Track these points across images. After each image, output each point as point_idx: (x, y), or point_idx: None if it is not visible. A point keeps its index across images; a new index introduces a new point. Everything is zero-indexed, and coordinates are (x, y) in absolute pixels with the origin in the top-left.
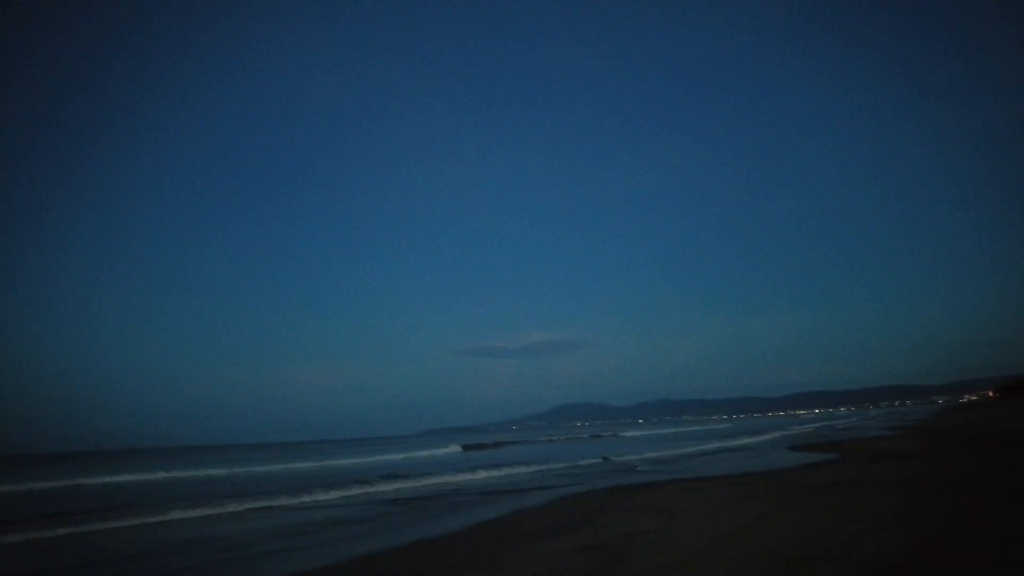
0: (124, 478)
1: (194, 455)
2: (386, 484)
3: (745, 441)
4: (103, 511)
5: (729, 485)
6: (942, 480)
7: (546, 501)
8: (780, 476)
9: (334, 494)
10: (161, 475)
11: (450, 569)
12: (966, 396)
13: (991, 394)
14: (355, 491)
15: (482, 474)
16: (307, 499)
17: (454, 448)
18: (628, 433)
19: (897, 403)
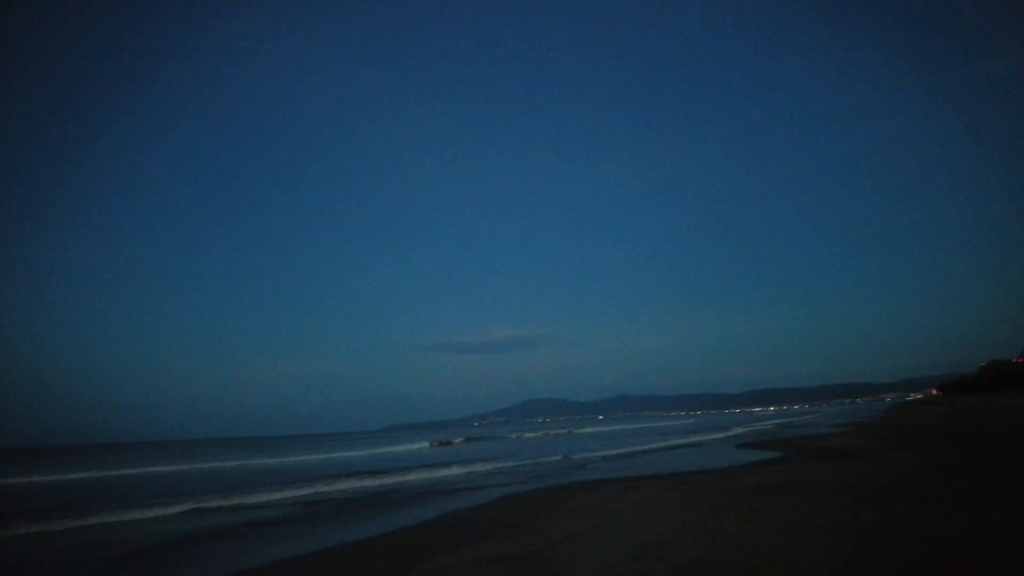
0: (38, 479)
1: (141, 452)
2: (339, 483)
3: (700, 438)
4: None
5: (672, 485)
6: (885, 482)
7: (487, 501)
8: (725, 475)
9: (280, 494)
10: (92, 474)
11: None
12: (912, 394)
13: (935, 392)
14: (305, 491)
15: (441, 471)
16: (243, 500)
17: (421, 445)
18: (588, 429)
19: (849, 401)
